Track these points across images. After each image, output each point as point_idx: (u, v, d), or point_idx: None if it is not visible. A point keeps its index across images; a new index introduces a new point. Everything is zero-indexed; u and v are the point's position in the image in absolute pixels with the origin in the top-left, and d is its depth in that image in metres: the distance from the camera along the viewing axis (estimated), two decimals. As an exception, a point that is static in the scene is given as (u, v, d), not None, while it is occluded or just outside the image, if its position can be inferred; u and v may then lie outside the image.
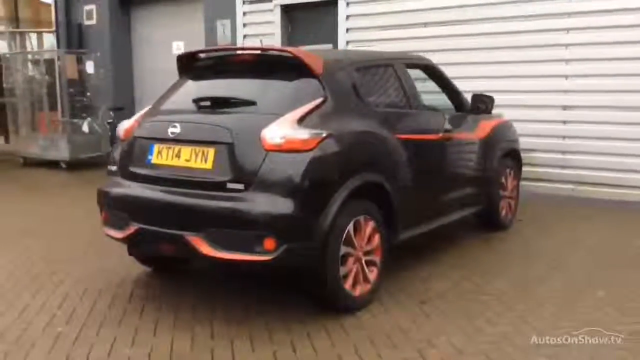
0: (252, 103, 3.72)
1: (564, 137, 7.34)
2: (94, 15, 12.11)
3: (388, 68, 4.52)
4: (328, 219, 3.51)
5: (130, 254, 4.12)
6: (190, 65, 4.33)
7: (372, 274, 3.94)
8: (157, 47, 11.41)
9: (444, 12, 7.97)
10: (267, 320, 3.66)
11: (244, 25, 9.86)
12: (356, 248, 3.77)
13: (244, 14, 9.83)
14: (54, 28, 12.46)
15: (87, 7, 12.15)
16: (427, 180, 4.52)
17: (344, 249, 3.66)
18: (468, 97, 5.46)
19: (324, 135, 3.55)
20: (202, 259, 3.57)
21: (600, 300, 3.98)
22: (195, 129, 3.72)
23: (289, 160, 3.46)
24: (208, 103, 3.85)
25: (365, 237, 3.84)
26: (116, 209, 3.93)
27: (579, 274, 4.53)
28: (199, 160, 3.62)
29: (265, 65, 4.05)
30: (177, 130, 3.72)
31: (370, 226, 3.87)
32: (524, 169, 7.41)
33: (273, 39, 9.50)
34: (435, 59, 7.87)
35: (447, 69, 7.75)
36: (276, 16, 9.48)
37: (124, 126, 4.11)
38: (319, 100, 3.73)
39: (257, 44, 5.34)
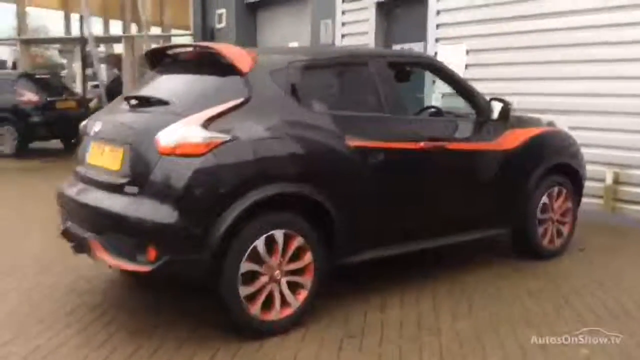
0: (166, 102, 3.51)
1: (667, 151, 6.03)
2: (224, 19, 12.72)
3: (358, 67, 4.01)
4: (220, 231, 3.18)
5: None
6: (155, 63, 4.22)
7: (299, 297, 3.51)
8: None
9: (539, 3, 6.97)
10: (165, 337, 3.41)
11: (343, 24, 9.64)
12: (271, 267, 3.38)
13: (343, 12, 9.59)
14: (191, 31, 13.35)
15: (218, 11, 12.81)
16: (400, 196, 3.94)
17: (248, 266, 3.30)
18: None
19: (224, 139, 3.23)
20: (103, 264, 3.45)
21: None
22: (109, 128, 3.64)
23: (179, 165, 3.20)
24: (135, 102, 3.73)
25: (286, 255, 3.43)
26: (60, 206, 3.97)
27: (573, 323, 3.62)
28: (112, 160, 3.52)
29: (202, 63, 3.80)
30: (98, 129, 3.66)
31: (296, 243, 3.45)
32: (618, 188, 6.31)
33: (368, 38, 9.15)
34: (529, 57, 7.04)
35: (540, 68, 6.89)
36: (371, 14, 9.10)
37: (83, 123, 4.15)
38: (237, 101, 3.41)
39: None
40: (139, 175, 3.30)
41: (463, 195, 4.33)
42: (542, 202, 4.77)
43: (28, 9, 18.85)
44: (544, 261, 4.80)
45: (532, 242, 4.78)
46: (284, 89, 3.59)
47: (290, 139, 3.48)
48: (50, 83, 12.44)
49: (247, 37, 12.34)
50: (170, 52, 4.09)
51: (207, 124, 3.26)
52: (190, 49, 3.91)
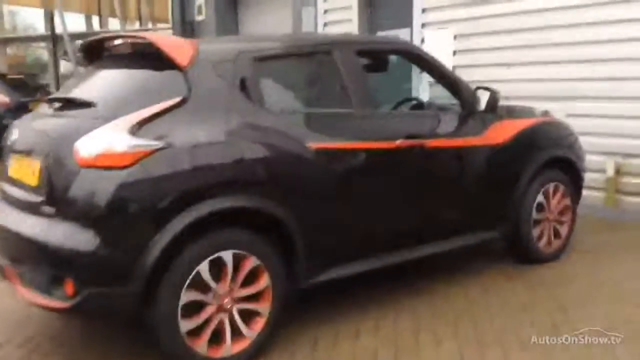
0: (92, 104, 2.99)
1: (673, 139, 5.52)
2: (204, 11, 12.16)
3: (320, 56, 3.48)
4: (152, 257, 2.67)
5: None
6: (92, 58, 3.68)
7: (255, 326, 3.02)
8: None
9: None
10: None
11: (325, 11, 9.08)
12: (218, 295, 2.88)
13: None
14: (170, 24, 12.81)
15: (197, 3, 12.24)
16: (372, 203, 3.43)
17: (190, 296, 2.79)
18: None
19: (156, 147, 2.71)
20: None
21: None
22: (26, 137, 3.14)
23: (100, 179, 2.68)
24: (58, 104, 3.21)
25: (238, 280, 2.93)
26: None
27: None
28: (30, 175, 3.01)
29: (138, 57, 3.26)
30: (15, 138, 3.16)
31: (249, 265, 2.95)
32: (620, 179, 5.81)
33: (350, 26, 8.61)
34: (521, 40, 6.50)
35: (534, 51, 6.35)
36: (354, 0, 8.54)
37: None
38: (174, 101, 2.89)
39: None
40: (56, 193, 2.79)
41: (447, 198, 3.83)
42: (537, 201, 4.26)
43: (7, 7, 18.27)
44: (540, 266, 4.31)
45: (527, 246, 4.28)
46: (231, 84, 3.06)
47: (239, 144, 2.96)
48: (24, 83, 11.91)
49: (228, 29, 11.80)
50: (106, 44, 3.55)
51: (136, 129, 2.74)
52: (126, 40, 3.35)
